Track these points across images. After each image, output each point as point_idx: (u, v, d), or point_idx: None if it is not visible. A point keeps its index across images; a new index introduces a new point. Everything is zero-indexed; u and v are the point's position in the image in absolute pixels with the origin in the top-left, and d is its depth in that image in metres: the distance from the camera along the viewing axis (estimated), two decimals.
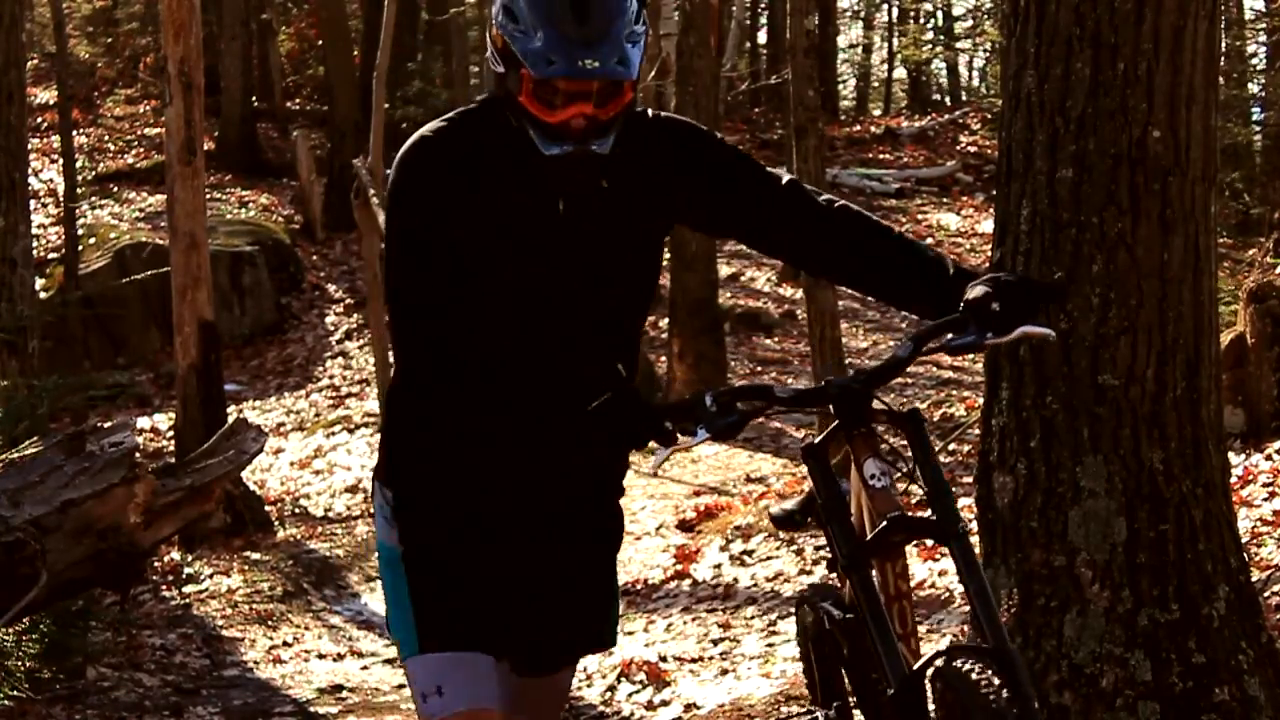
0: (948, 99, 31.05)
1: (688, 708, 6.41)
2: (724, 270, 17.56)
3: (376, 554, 3.28)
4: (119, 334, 17.47)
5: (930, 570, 7.26)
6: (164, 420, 14.50)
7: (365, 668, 7.75)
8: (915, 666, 2.85)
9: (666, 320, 13.97)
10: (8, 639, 6.37)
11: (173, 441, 11.60)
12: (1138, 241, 4.21)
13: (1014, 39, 4.38)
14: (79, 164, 19.60)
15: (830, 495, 3.00)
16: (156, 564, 8.97)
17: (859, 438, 2.98)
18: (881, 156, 25.01)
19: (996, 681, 2.75)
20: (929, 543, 6.74)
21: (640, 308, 3.18)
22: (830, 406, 3.00)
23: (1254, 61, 21.15)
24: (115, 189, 21.15)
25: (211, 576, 9.22)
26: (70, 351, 16.52)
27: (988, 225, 19.33)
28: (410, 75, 23.43)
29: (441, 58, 24.78)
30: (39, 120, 22.37)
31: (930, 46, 30.22)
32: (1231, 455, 6.22)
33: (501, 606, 3.08)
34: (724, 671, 6.86)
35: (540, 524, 3.11)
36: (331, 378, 17.02)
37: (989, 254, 4.59)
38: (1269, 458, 7.43)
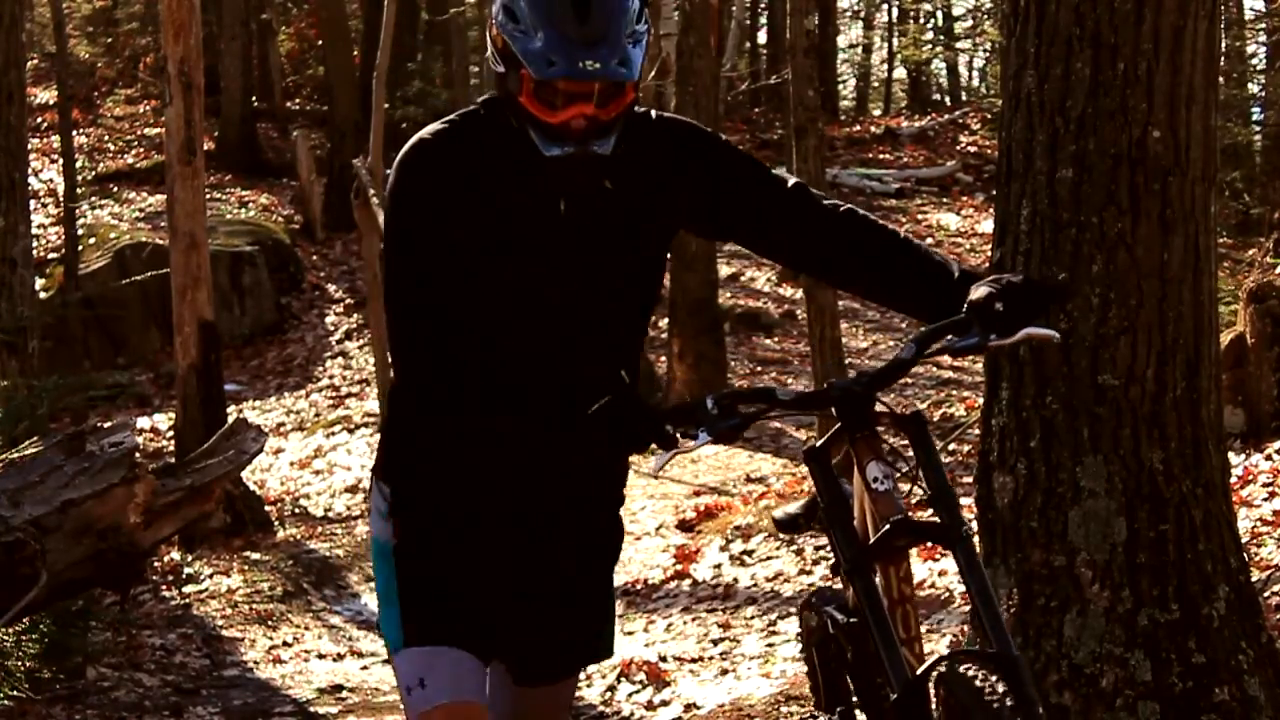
0: (948, 99, 31.04)
1: (688, 708, 6.41)
2: (724, 270, 17.55)
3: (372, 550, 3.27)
4: (119, 334, 17.47)
5: (930, 570, 7.26)
6: (164, 420, 14.50)
7: (365, 668, 7.75)
8: (918, 671, 2.83)
9: (666, 320, 13.97)
10: (8, 639, 6.37)
11: (173, 441, 11.60)
12: (1138, 241, 4.21)
13: (1014, 39, 4.38)
14: (79, 164, 19.60)
15: (833, 498, 2.98)
16: (156, 564, 8.97)
17: (861, 440, 2.95)
18: (881, 156, 25.01)
19: (1000, 687, 2.73)
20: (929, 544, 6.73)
21: (643, 310, 3.15)
22: (832, 409, 2.97)
23: (1254, 61, 21.16)
24: (115, 189, 21.15)
25: (211, 576, 9.22)
26: (70, 352, 16.52)
27: (988, 225, 19.33)
28: (410, 75, 23.43)
29: (441, 58, 24.77)
30: (39, 120, 22.37)
31: (930, 46, 30.21)
32: (1231, 455, 6.23)
33: (492, 607, 3.06)
34: (724, 671, 6.86)
35: (537, 527, 3.10)
36: (331, 378, 17.02)
37: (989, 254, 4.59)
38: (1269, 458, 7.43)
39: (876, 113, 30.33)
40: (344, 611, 9.04)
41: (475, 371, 2.94)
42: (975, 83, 32.36)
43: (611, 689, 6.75)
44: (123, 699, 6.83)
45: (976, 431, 5.64)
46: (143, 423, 14.60)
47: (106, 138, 23.61)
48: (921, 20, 31.17)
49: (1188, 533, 4.23)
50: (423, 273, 2.95)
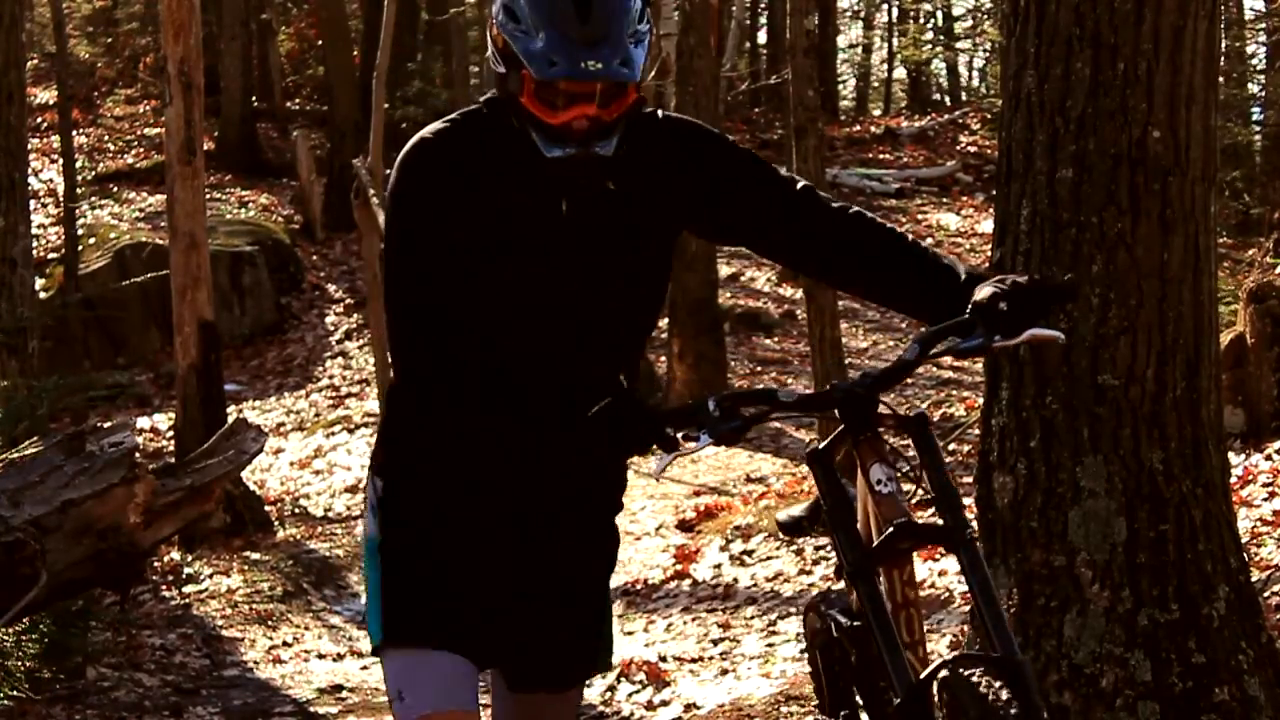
0: (948, 99, 31.04)
1: (688, 708, 6.41)
2: (724, 270, 17.55)
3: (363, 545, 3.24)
4: (119, 334, 17.47)
5: (930, 570, 7.26)
6: (164, 420, 14.50)
7: (365, 668, 7.74)
8: (922, 675, 2.80)
9: (666, 320, 13.97)
10: (8, 639, 6.37)
11: (173, 441, 11.60)
12: (1138, 241, 4.22)
13: (1014, 39, 4.38)
14: (79, 164, 19.60)
15: (836, 501, 2.95)
16: (156, 564, 8.97)
17: (865, 442, 2.92)
18: (881, 156, 25.00)
19: (1005, 692, 2.70)
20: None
21: (645, 312, 3.12)
22: (835, 411, 2.94)
23: (1254, 61, 21.16)
24: (115, 189, 21.15)
25: (211, 576, 9.22)
26: (70, 352, 16.52)
27: (988, 225, 19.33)
28: (410, 75, 23.43)
29: (441, 58, 24.77)
30: (39, 120, 22.37)
31: (930, 46, 30.20)
32: (1231, 455, 6.23)
33: (484, 608, 3.02)
34: (724, 671, 6.86)
35: (534, 527, 3.06)
36: (331, 378, 17.02)
37: (989, 254, 4.59)
38: (1269, 458, 7.43)
39: (876, 113, 30.33)
40: (344, 611, 9.04)
41: (475, 371, 2.91)
42: (975, 83, 32.36)
43: (611, 689, 6.75)
44: (123, 699, 6.83)
45: (976, 431, 5.64)
46: (143, 423, 14.60)
47: (106, 138, 23.61)
48: (921, 20, 31.16)
49: (1188, 533, 4.23)
50: (423, 272, 2.94)
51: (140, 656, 7.51)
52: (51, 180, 20.44)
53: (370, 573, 3.10)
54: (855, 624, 3.24)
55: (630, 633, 7.68)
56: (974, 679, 2.73)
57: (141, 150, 22.89)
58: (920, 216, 21.80)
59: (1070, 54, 4.24)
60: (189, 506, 6.69)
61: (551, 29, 2.80)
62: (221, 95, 22.48)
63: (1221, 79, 5.50)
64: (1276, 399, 7.87)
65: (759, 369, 15.68)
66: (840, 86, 30.29)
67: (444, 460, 3.03)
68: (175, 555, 9.42)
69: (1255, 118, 20.32)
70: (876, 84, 32.75)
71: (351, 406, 15.50)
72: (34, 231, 13.47)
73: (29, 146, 12.84)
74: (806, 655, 3.71)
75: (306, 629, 8.59)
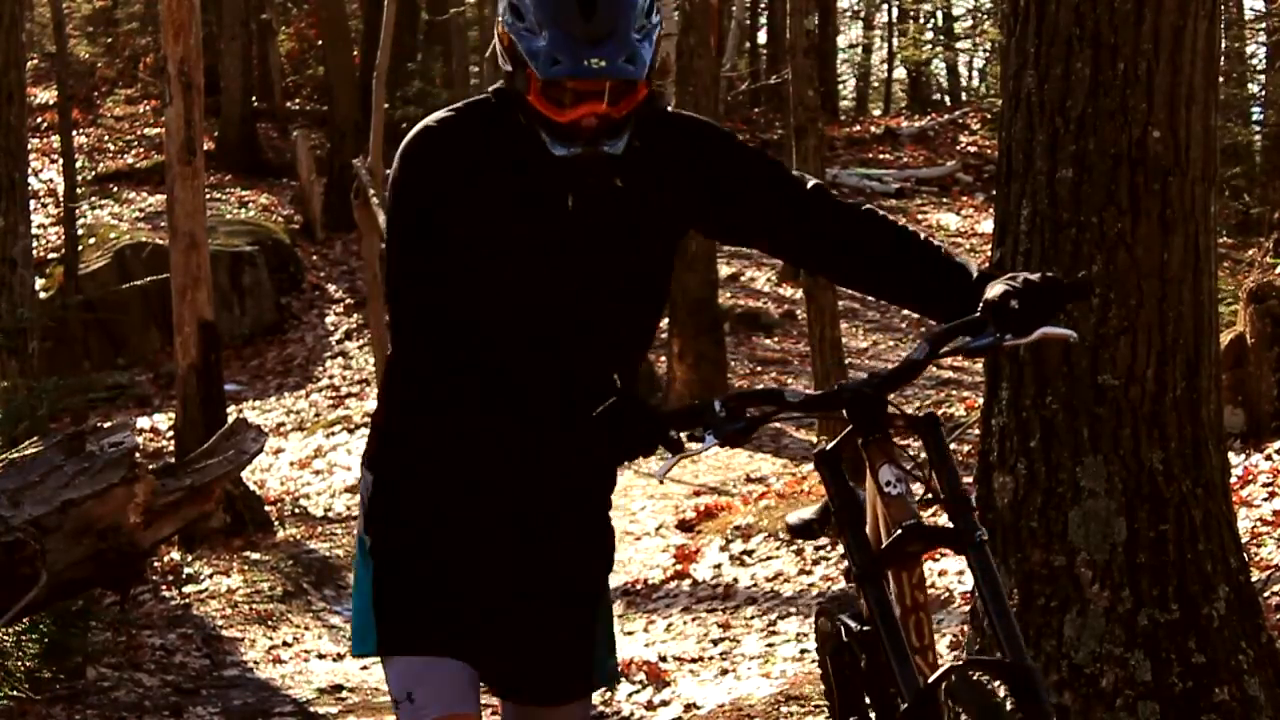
0: (948, 99, 31.03)
1: (688, 708, 6.41)
2: (724, 270, 17.56)
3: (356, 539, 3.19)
4: (119, 334, 17.47)
5: (930, 570, 7.26)
6: (164, 420, 14.50)
7: (365, 668, 7.74)
8: (930, 680, 2.76)
9: (667, 320, 13.97)
10: (8, 639, 6.37)
11: (173, 441, 11.59)
12: (1138, 241, 4.22)
13: (1014, 39, 4.38)
14: (79, 164, 19.59)
15: (844, 503, 2.90)
16: (156, 564, 8.96)
17: (873, 443, 2.87)
18: (881, 156, 25.00)
19: (1015, 697, 2.66)
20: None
21: (648, 311, 3.08)
22: (843, 411, 2.88)
23: (1254, 61, 21.16)
24: (115, 189, 21.14)
25: (211, 576, 9.21)
26: (70, 352, 16.52)
27: (988, 225, 19.33)
28: (410, 75, 23.42)
29: (441, 58, 24.77)
30: (39, 120, 22.36)
31: (930, 46, 30.20)
32: (1231, 455, 6.23)
33: (480, 610, 2.98)
34: (724, 671, 6.86)
35: (531, 529, 3.01)
36: (331, 378, 17.02)
37: (989, 254, 4.59)
38: (1269, 458, 7.43)
39: (876, 113, 30.32)
40: (344, 611, 9.03)
41: (474, 368, 2.87)
42: (975, 83, 32.35)
43: (611, 689, 6.74)
44: (123, 699, 6.83)
45: (976, 431, 5.64)
46: (143, 423, 14.60)
47: (106, 138, 23.61)
48: (921, 20, 31.16)
49: (1188, 533, 4.23)
50: (424, 265, 2.89)
51: (140, 656, 7.51)
52: (51, 180, 20.44)
53: (360, 568, 3.07)
54: (865, 628, 3.19)
55: (630, 633, 7.68)
56: (983, 683, 2.69)
57: (141, 150, 22.89)
58: (920, 216, 21.80)
59: (1070, 54, 4.24)
60: (189, 506, 6.69)
61: (555, 27, 2.76)
62: (221, 95, 22.48)
63: (1221, 79, 5.50)
64: (1276, 399, 7.87)
65: (759, 369, 15.68)
66: (840, 86, 30.28)
67: (442, 459, 2.99)
68: (175, 555, 9.42)
69: (1255, 118, 20.33)
70: (876, 84, 32.75)
71: (351, 406, 15.50)
72: (34, 231, 13.46)
73: (29, 146, 12.84)
74: (817, 660, 3.67)
75: (306, 629, 8.59)
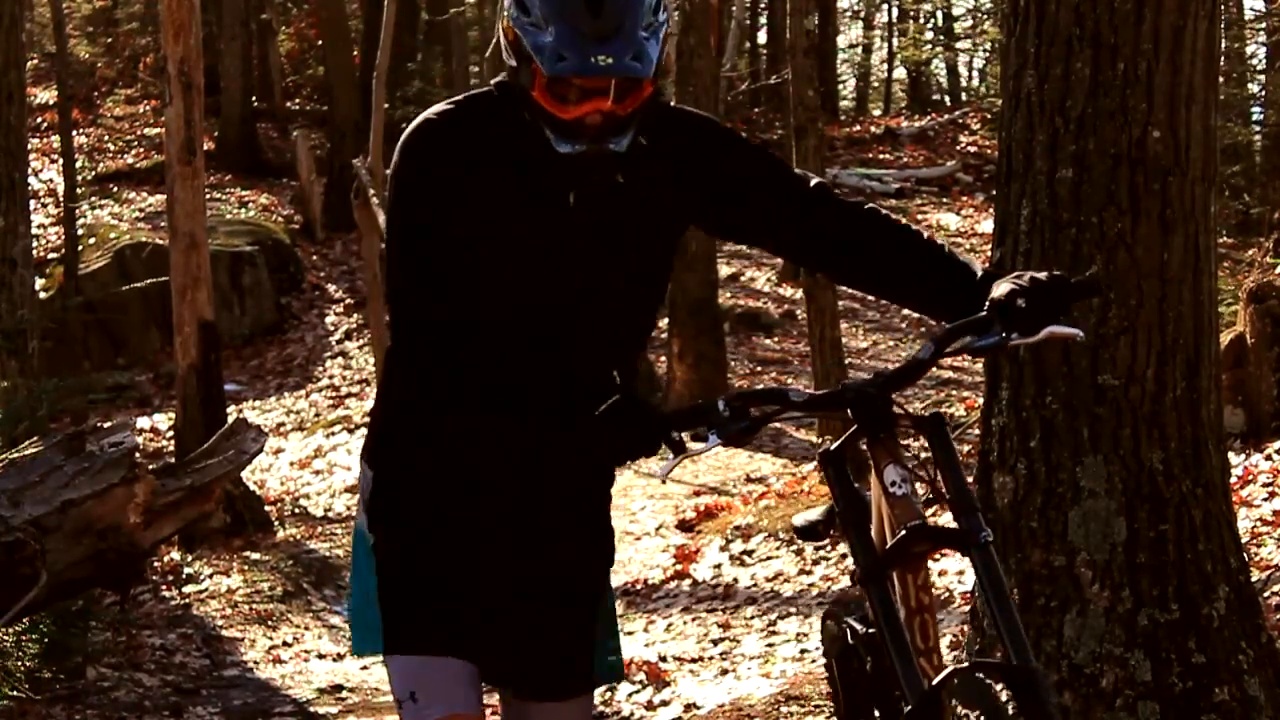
0: (948, 99, 31.04)
1: (688, 708, 6.41)
2: (724, 270, 17.56)
3: (353, 534, 3.16)
4: (119, 334, 17.47)
5: (930, 570, 7.26)
6: (164, 420, 14.50)
7: (365, 668, 7.74)
8: (934, 682, 2.73)
9: (666, 320, 13.97)
10: (8, 639, 6.37)
11: (173, 441, 11.60)
12: (1138, 241, 4.22)
13: (1014, 39, 4.38)
14: (79, 164, 19.60)
15: (849, 504, 2.87)
16: (156, 564, 8.96)
17: (878, 443, 2.84)
18: (881, 156, 25.01)
19: (1019, 700, 2.64)
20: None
21: (648, 307, 3.06)
22: (848, 411, 2.85)
23: (1254, 61, 21.16)
24: (115, 189, 21.15)
25: (211, 576, 9.21)
26: (70, 352, 16.53)
27: (988, 225, 19.33)
28: (410, 75, 23.44)
29: (441, 58, 24.78)
30: (39, 120, 22.37)
31: (930, 46, 30.21)
32: (1231, 455, 6.23)
33: (481, 611, 2.97)
34: (724, 671, 6.86)
35: (531, 529, 3.00)
36: (331, 378, 17.03)
37: (989, 254, 4.59)
38: (1269, 458, 7.42)
39: (876, 113, 30.33)
40: (344, 611, 9.03)
41: (474, 364, 2.85)
42: (975, 83, 32.35)
43: (611, 689, 6.74)
44: (123, 699, 6.83)
45: (976, 431, 5.64)
46: (143, 423, 14.61)
47: (106, 138, 23.61)
48: (921, 20, 31.16)
49: (1188, 533, 4.23)
50: (424, 261, 2.87)
51: (140, 656, 7.51)
52: (51, 180, 20.44)
53: (359, 565, 3.06)
54: (871, 631, 3.16)
55: (630, 633, 7.68)
56: (988, 686, 2.67)
57: (141, 150, 22.89)
58: (920, 216, 21.80)
59: (1070, 54, 4.24)
60: (189, 506, 6.69)
61: (562, 23, 2.73)
62: (221, 95, 22.48)
63: (1221, 79, 5.50)
64: (1276, 399, 7.86)
65: (759, 369, 15.68)
66: (840, 86, 30.28)
67: (442, 459, 2.98)
68: (175, 555, 9.42)
69: (1255, 118, 20.33)
70: (876, 84, 32.75)
71: (351, 406, 15.50)
72: (34, 231, 13.47)
73: (29, 146, 12.84)
74: (823, 662, 3.64)
75: (306, 629, 8.59)
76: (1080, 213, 4.23)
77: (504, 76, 2.90)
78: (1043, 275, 2.87)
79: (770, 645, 7.12)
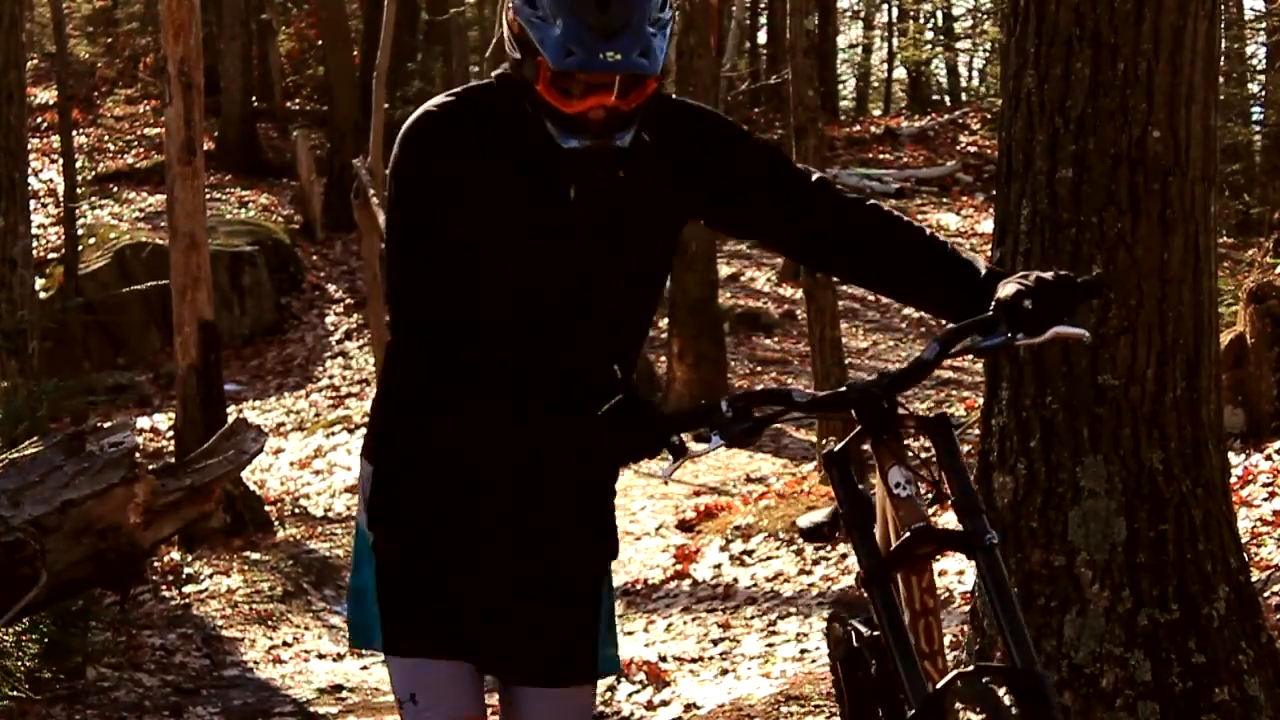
0: (948, 99, 31.03)
1: (688, 708, 6.41)
2: (724, 270, 17.56)
3: (354, 531, 3.16)
4: (119, 334, 17.47)
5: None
6: (164, 420, 14.50)
7: (365, 668, 7.74)
8: (938, 686, 2.71)
9: (666, 320, 13.97)
10: (8, 639, 6.37)
11: (173, 441, 11.60)
12: (1138, 241, 4.22)
13: (1014, 39, 4.38)
14: (79, 164, 19.58)
15: (853, 505, 2.83)
16: (156, 564, 8.97)
17: (882, 444, 2.81)
18: (881, 156, 25.01)
19: (1022, 703, 2.62)
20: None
21: (648, 302, 3.04)
22: (852, 412, 2.82)
23: (1254, 61, 21.16)
24: (115, 189, 21.15)
25: (211, 576, 9.21)
26: (70, 352, 16.52)
27: (988, 225, 19.33)
28: (410, 75, 23.44)
29: (441, 58, 24.77)
30: (39, 120, 22.36)
31: (930, 46, 30.20)
32: (1231, 455, 6.23)
33: (481, 611, 2.96)
34: (724, 671, 6.86)
35: (531, 528, 2.99)
36: (331, 378, 17.03)
37: (989, 254, 4.59)
38: (1269, 458, 7.43)
39: (876, 113, 30.33)
40: (344, 612, 9.03)
41: (474, 360, 2.84)
42: (975, 83, 32.34)
43: (611, 689, 6.74)
44: (123, 699, 6.83)
45: (976, 431, 5.64)
46: (143, 423, 14.61)
47: (106, 138, 23.61)
48: (921, 20, 31.16)
49: (1188, 533, 4.23)
50: (424, 259, 2.86)
51: (140, 656, 7.51)
52: (51, 180, 20.44)
53: (360, 562, 3.06)
54: (876, 634, 3.13)
55: (630, 633, 7.68)
56: (992, 690, 2.65)
57: (141, 150, 22.89)
58: (920, 216, 21.80)
59: (1070, 54, 4.24)
60: (189, 506, 6.69)
61: (570, 17, 2.71)
62: (221, 95, 22.48)
63: (1221, 79, 5.50)
64: (1276, 399, 7.86)
65: (759, 369, 15.68)
66: (840, 86, 30.29)
67: (442, 457, 2.97)
68: (175, 555, 9.42)
69: (1255, 118, 20.33)
70: (876, 84, 32.75)
71: (351, 406, 15.50)
72: (34, 231, 13.46)
73: (29, 146, 12.84)
74: (829, 665, 3.62)
75: (306, 629, 8.59)
76: (1080, 213, 4.23)
77: (505, 69, 2.88)
78: (1049, 275, 2.85)
79: (770, 645, 7.12)
